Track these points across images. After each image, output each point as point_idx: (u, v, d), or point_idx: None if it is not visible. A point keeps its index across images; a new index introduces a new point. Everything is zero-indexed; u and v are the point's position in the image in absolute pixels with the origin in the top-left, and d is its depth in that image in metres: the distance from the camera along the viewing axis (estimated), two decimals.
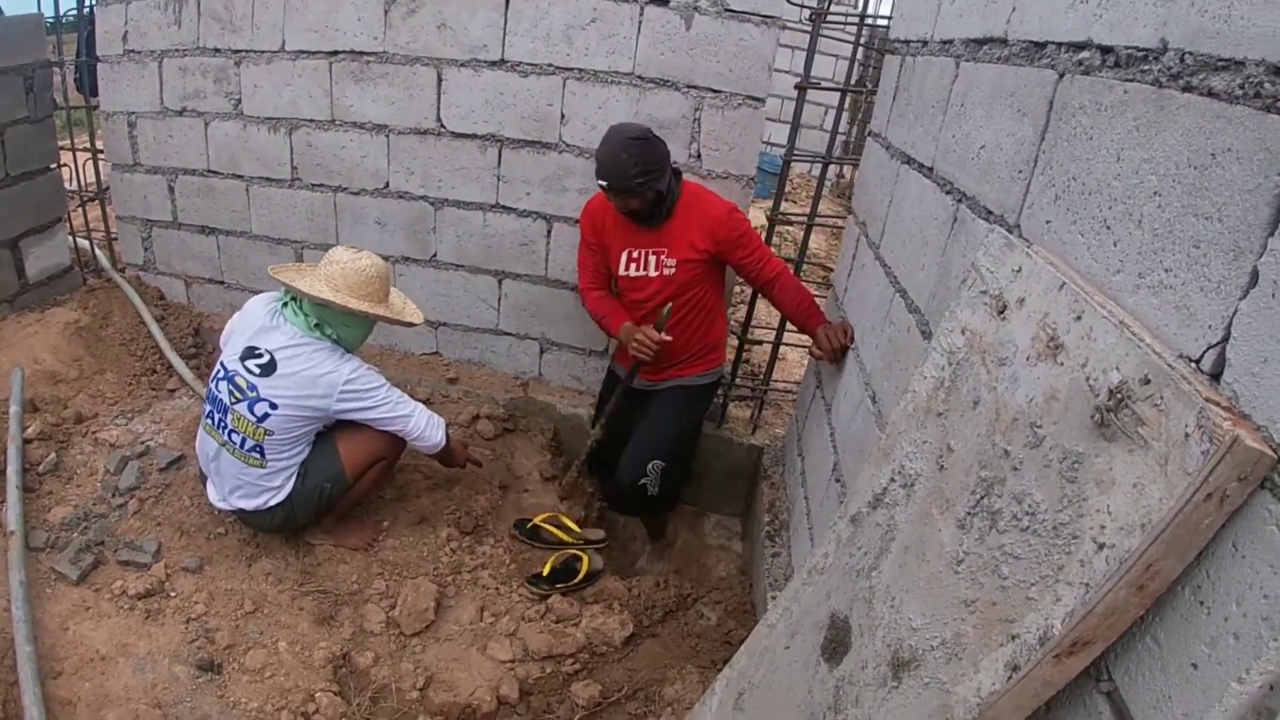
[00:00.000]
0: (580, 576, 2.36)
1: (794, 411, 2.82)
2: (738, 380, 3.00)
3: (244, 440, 2.10)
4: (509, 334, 3.09)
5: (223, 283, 3.38)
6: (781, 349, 2.89)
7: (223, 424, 2.13)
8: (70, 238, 3.37)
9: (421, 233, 3.00)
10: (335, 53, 2.78)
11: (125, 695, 1.84)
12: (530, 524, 2.54)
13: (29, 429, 2.49)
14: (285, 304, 2.14)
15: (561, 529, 2.51)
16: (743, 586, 2.57)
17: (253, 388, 2.07)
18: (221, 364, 2.14)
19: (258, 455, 2.11)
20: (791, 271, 2.41)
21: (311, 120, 2.92)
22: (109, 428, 2.62)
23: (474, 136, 2.77)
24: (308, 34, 2.78)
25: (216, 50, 2.92)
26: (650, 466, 2.49)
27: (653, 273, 2.38)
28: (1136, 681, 0.70)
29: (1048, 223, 1.05)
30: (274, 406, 2.07)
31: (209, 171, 3.16)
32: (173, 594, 2.12)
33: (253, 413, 2.07)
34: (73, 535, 2.22)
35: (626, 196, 2.21)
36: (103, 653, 1.93)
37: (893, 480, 1.11)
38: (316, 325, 2.10)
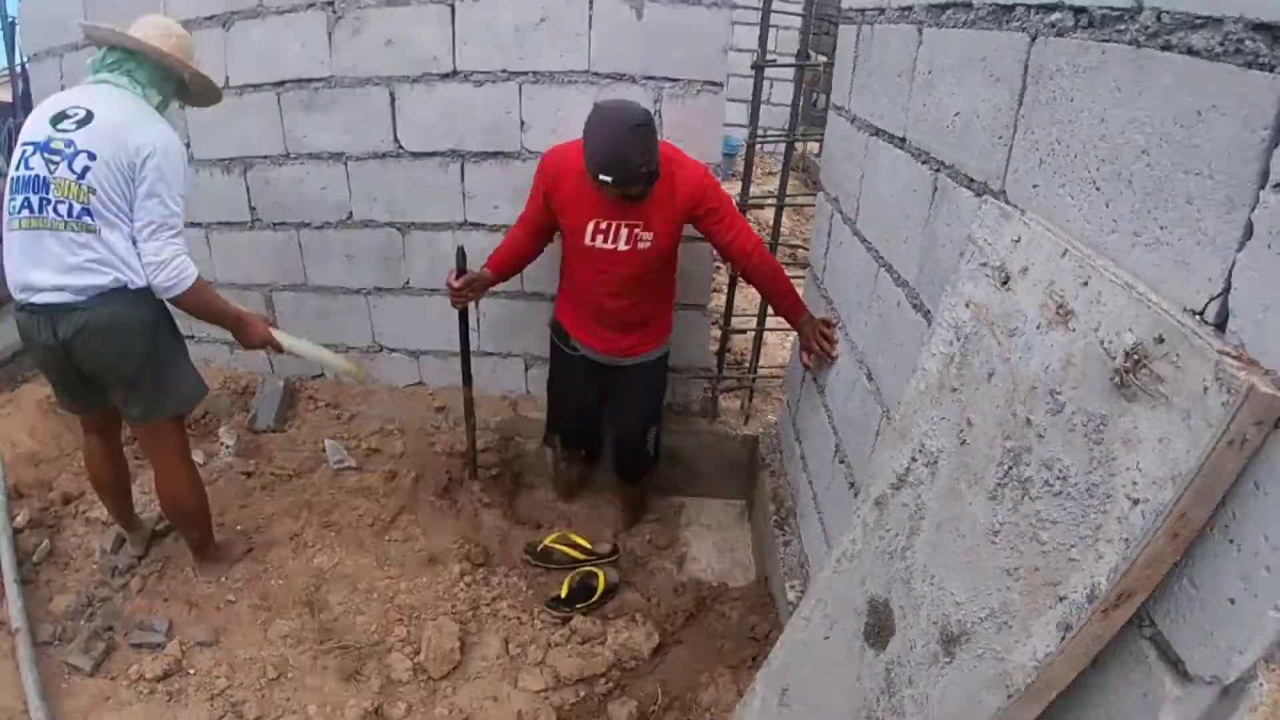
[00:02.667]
0: (598, 594, 2.35)
1: (784, 396, 2.82)
2: (724, 372, 3.00)
3: (70, 207, 1.89)
4: (491, 354, 3.05)
5: (191, 336, 3.29)
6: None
7: (46, 202, 1.89)
8: None
9: (392, 260, 2.96)
10: (282, 82, 2.72)
11: None
12: (541, 546, 2.53)
13: (17, 518, 2.42)
14: (96, 71, 2.02)
15: (573, 547, 2.51)
16: (757, 579, 2.58)
17: (69, 144, 1.89)
18: (27, 143, 1.93)
19: (89, 218, 1.90)
20: (766, 248, 2.30)
21: (265, 156, 2.86)
22: (98, 505, 2.51)
23: (434, 154, 2.74)
24: (251, 67, 2.72)
25: None
26: (649, 433, 2.57)
27: (623, 246, 2.15)
28: (1178, 622, 0.73)
29: (1034, 187, 1.05)
30: (92, 158, 1.90)
31: None
32: (192, 671, 2.07)
33: (73, 170, 1.89)
34: (79, 624, 2.16)
35: (627, 186, 2.02)
36: None
37: (914, 460, 1.12)
38: (125, 72, 2.00)
